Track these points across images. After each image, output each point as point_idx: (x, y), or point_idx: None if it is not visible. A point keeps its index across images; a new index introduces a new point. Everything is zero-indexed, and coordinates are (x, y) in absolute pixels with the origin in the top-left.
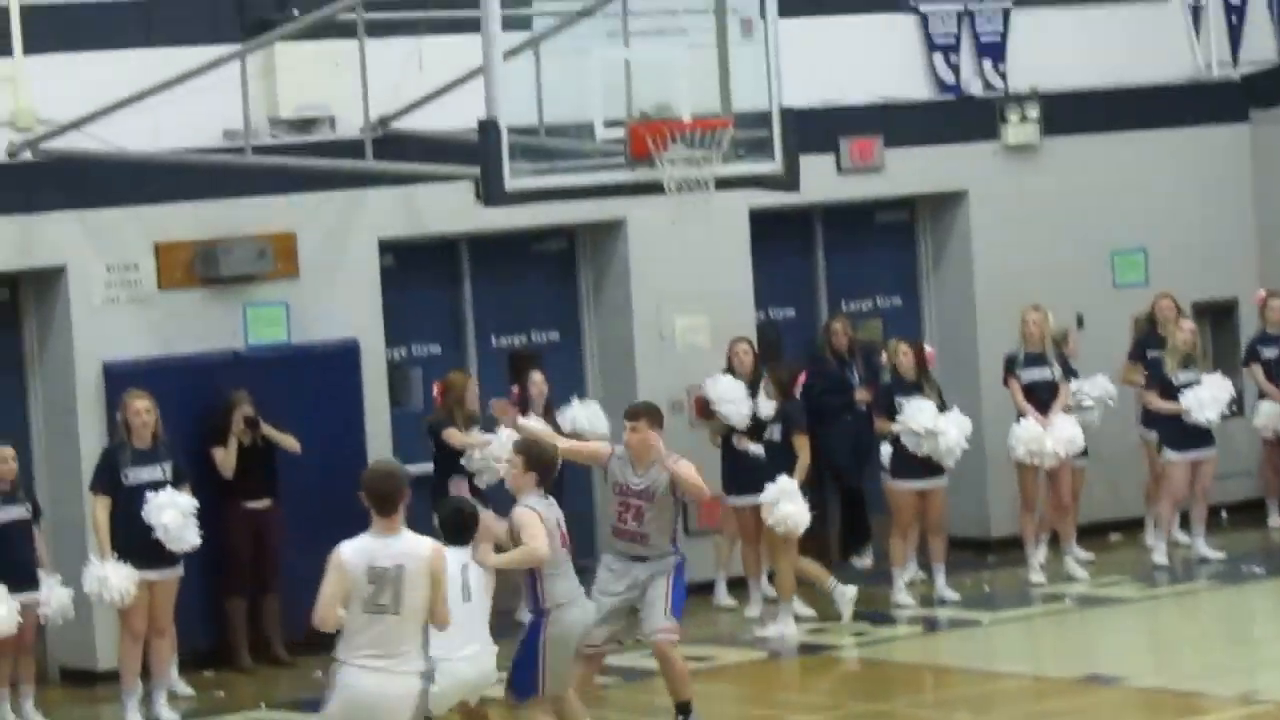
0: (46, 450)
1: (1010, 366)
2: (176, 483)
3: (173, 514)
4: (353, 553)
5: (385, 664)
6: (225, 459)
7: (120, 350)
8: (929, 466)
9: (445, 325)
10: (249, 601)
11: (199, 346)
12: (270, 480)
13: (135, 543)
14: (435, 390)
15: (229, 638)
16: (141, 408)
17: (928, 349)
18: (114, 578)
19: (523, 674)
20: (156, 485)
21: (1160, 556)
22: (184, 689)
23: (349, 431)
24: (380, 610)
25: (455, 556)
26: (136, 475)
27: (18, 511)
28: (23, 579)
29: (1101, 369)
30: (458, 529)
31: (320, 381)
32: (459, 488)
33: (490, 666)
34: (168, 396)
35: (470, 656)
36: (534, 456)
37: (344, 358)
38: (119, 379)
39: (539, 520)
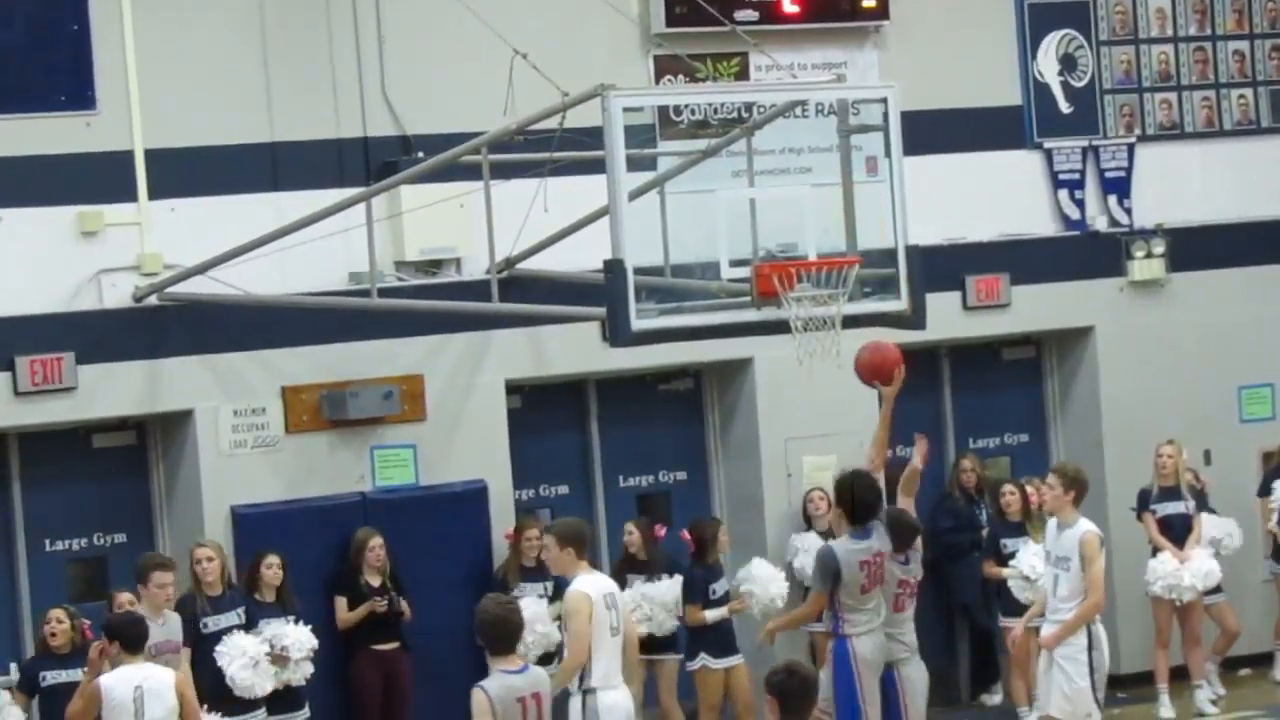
0: (177, 593)
1: (1144, 502)
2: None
3: (241, 663)
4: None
5: None
6: (347, 617)
7: (248, 494)
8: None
9: (573, 466)
10: None
11: (326, 490)
12: (398, 623)
13: (218, 690)
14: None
15: None
16: (203, 555)
17: (1030, 491)
18: None
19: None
20: (234, 630)
21: None
22: None
23: (477, 573)
24: None
25: (128, 673)
26: (216, 623)
27: (75, 675)
28: None
29: (1229, 504)
30: (131, 639)
31: (448, 524)
32: None
33: None
34: (295, 540)
35: None
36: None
37: (472, 500)
38: (247, 523)
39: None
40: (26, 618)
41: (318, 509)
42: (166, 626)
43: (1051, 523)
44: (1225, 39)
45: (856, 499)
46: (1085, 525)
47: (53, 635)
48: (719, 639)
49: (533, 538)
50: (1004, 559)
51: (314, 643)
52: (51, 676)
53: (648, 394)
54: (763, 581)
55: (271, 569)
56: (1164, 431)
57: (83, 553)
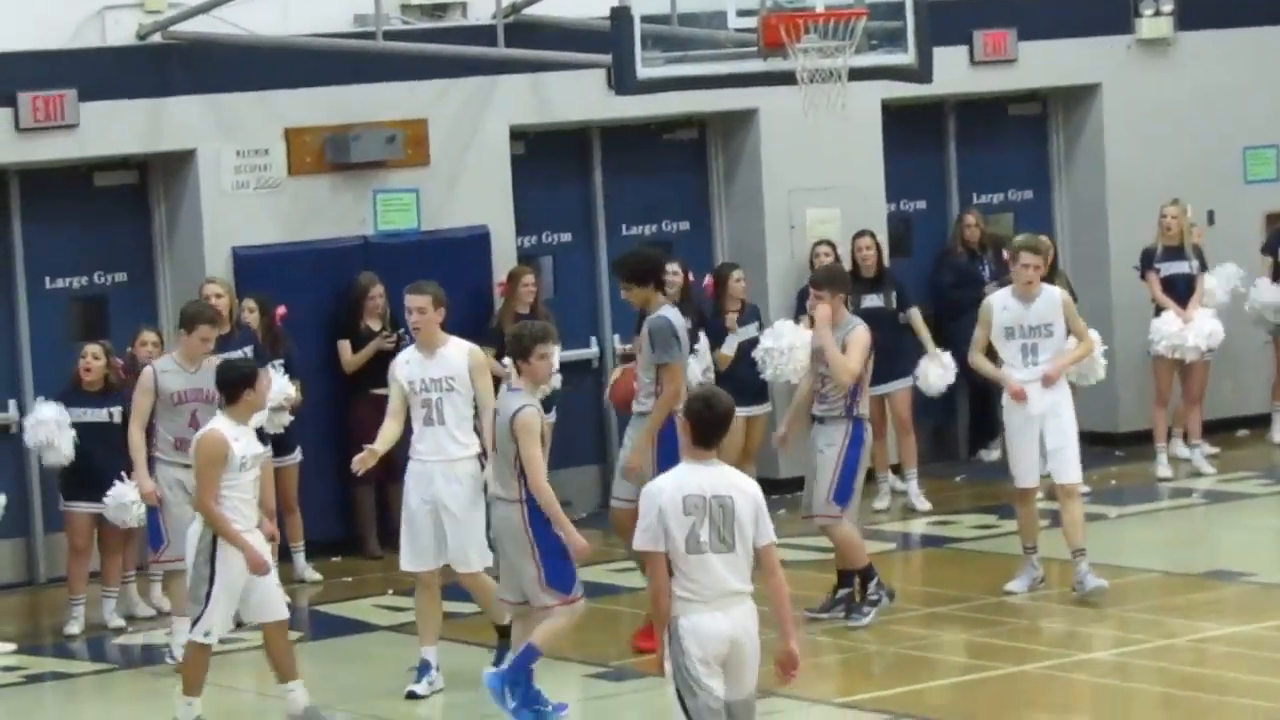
0: (176, 335)
1: (1148, 261)
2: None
3: None
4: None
5: None
6: (354, 359)
7: (249, 236)
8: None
9: (576, 214)
10: (377, 489)
11: (328, 233)
12: None
13: None
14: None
15: (357, 525)
16: (211, 292)
17: None
18: None
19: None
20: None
21: None
22: (312, 575)
23: (477, 319)
24: None
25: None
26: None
27: (102, 414)
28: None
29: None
30: (229, 385)
31: (450, 269)
32: None
33: None
34: (296, 283)
35: None
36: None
37: (474, 245)
38: (248, 265)
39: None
40: (26, 355)
41: (319, 251)
42: (199, 374)
43: (1007, 299)
44: None
45: (649, 269)
46: (1051, 287)
47: (87, 370)
48: (745, 388)
49: (529, 283)
50: None
51: (289, 391)
52: (77, 414)
53: (652, 143)
54: (787, 337)
55: (252, 313)
56: (1168, 191)
57: (83, 291)
